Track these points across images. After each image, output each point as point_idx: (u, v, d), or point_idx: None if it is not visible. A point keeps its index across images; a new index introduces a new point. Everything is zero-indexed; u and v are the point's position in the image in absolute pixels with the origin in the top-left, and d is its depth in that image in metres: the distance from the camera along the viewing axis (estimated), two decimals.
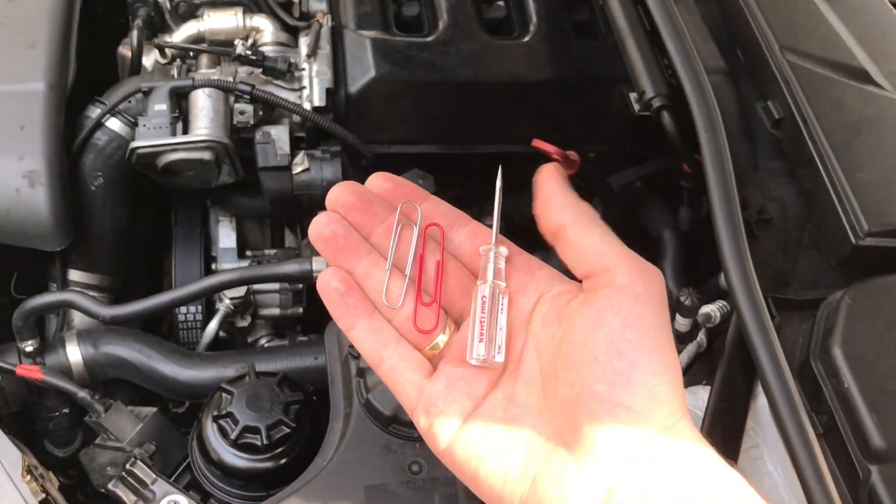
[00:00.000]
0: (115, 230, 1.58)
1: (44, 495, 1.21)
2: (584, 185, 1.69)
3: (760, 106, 1.47)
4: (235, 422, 1.26)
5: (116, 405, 1.38)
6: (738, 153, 1.44)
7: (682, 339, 1.44)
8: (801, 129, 1.38)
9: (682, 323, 1.43)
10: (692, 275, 1.85)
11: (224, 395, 1.29)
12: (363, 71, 1.60)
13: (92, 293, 1.56)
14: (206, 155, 1.49)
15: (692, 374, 1.48)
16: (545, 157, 1.62)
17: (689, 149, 1.48)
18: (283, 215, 1.72)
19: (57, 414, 1.48)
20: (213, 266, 1.66)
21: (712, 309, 1.44)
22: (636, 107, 1.61)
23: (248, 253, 1.71)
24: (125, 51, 1.70)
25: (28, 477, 1.20)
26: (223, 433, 1.26)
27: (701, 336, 1.46)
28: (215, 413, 1.28)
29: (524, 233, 1.99)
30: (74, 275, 1.56)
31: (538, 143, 1.52)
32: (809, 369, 1.18)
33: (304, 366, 1.48)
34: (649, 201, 1.87)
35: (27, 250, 1.48)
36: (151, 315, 1.51)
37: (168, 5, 1.79)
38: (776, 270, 1.36)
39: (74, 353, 1.44)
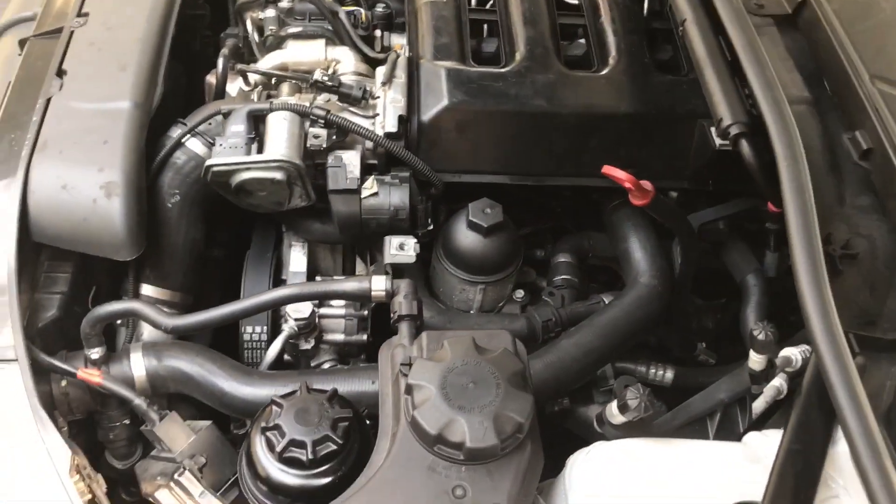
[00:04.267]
0: (189, 248, 1.62)
1: (90, 496, 1.21)
2: (661, 218, 1.63)
3: (847, 137, 1.40)
4: (282, 434, 1.24)
5: (171, 415, 1.38)
6: (823, 186, 1.36)
7: (755, 379, 1.35)
8: (891, 159, 1.30)
9: (756, 360, 1.34)
10: (783, 330, 1.75)
11: (274, 407, 1.28)
12: (436, 99, 1.61)
13: (162, 308, 1.59)
14: (279, 175, 1.51)
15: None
16: (620, 191, 1.58)
17: (771, 182, 1.41)
18: (352, 240, 1.72)
19: (118, 424, 1.50)
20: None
21: (793, 352, 1.35)
22: (716, 140, 1.55)
23: (318, 279, 1.71)
24: (212, 78, 1.77)
25: (76, 476, 1.21)
26: (270, 446, 1.24)
27: (780, 381, 1.36)
28: (264, 425, 1.26)
29: (598, 273, 1.94)
30: (146, 289, 1.60)
31: (609, 170, 1.48)
32: None
33: (360, 389, 1.45)
34: (732, 243, 1.79)
35: (105, 266, 1.53)
36: (213, 327, 1.52)
37: (256, 38, 1.86)
38: (861, 308, 1.27)
39: (138, 364, 1.46)
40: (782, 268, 1.78)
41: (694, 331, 1.94)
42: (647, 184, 1.49)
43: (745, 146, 1.39)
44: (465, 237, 1.62)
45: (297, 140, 1.55)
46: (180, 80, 1.86)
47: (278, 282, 1.69)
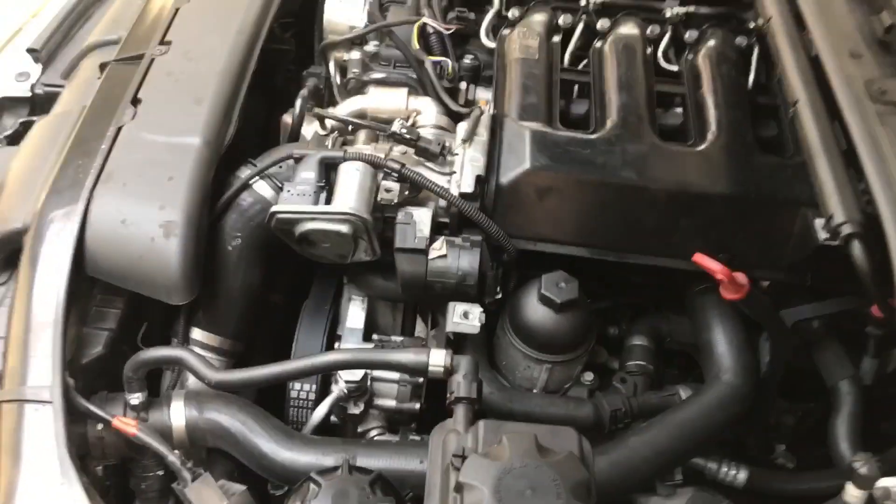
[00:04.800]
0: (245, 294, 1.54)
1: None
2: (752, 314, 1.49)
3: None
4: None
5: (205, 476, 1.29)
6: None
7: None
8: None
9: (855, 496, 1.18)
10: (871, 440, 1.59)
11: (312, 485, 1.18)
12: (517, 161, 1.51)
13: (210, 355, 1.51)
14: (345, 228, 1.43)
15: None
16: (707, 275, 1.45)
17: (883, 289, 1.27)
18: (415, 301, 1.63)
19: (151, 475, 1.42)
20: (336, 345, 1.58)
21: (895, 484, 1.19)
22: (822, 234, 1.41)
23: (375, 337, 1.62)
24: (288, 118, 1.70)
25: None
26: None
27: None
28: (299, 503, 1.16)
29: (676, 358, 1.80)
30: (197, 333, 1.53)
31: (700, 259, 1.35)
32: None
33: (407, 468, 1.35)
34: (827, 345, 1.63)
35: (158, 304, 1.46)
36: (259, 386, 1.44)
37: (338, 80, 1.79)
38: None
39: (178, 414, 1.38)
40: (881, 376, 1.62)
41: (772, 430, 1.78)
42: (741, 276, 1.36)
43: (856, 247, 1.25)
44: (535, 311, 1.51)
45: (368, 193, 1.47)
46: (258, 115, 1.81)
47: (333, 337, 1.60)
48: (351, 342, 1.58)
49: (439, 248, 1.48)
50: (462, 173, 1.51)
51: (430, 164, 1.54)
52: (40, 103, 1.95)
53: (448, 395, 1.25)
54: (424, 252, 1.47)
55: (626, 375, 1.61)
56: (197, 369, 1.33)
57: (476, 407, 1.24)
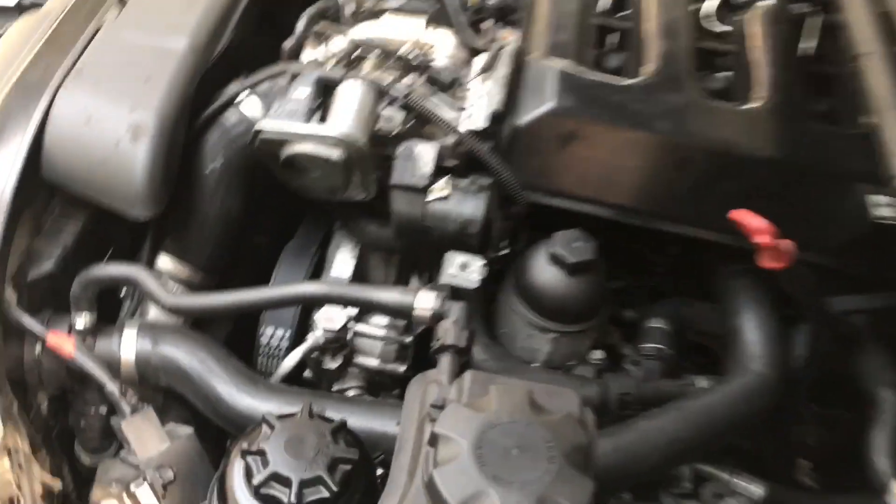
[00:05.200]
0: (222, 223, 1.38)
1: (15, 491, 0.96)
2: (793, 293, 1.30)
3: None
4: (265, 463, 0.96)
5: (145, 412, 1.13)
6: None
7: None
8: None
9: None
10: None
11: (264, 427, 1.00)
12: (540, 101, 1.33)
13: (177, 287, 1.35)
14: (336, 154, 1.26)
15: None
16: (740, 255, 1.27)
17: None
18: (409, 249, 1.45)
19: (92, 411, 1.25)
20: None
21: None
22: (883, 210, 1.22)
23: None
24: (289, 43, 1.54)
25: (4, 459, 0.96)
26: (248, 474, 0.97)
27: None
28: (246, 446, 0.99)
29: (696, 352, 1.61)
30: (165, 261, 1.36)
31: (740, 215, 1.17)
32: None
33: (382, 429, 1.17)
34: (870, 345, 1.44)
35: (125, 226, 1.30)
36: (222, 315, 1.28)
37: (349, 9, 1.63)
38: None
39: (129, 344, 1.22)
40: None
41: (796, 441, 1.58)
42: (787, 243, 1.18)
43: None
44: (544, 272, 1.33)
45: (367, 119, 1.30)
46: (263, 51, 1.65)
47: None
48: None
49: (441, 188, 1.31)
50: (475, 108, 1.34)
51: (440, 97, 1.37)
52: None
53: (433, 342, 1.08)
54: (423, 191, 1.30)
55: (641, 358, 1.42)
56: (152, 290, 1.16)
57: (464, 359, 1.06)
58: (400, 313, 1.14)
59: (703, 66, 1.51)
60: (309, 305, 1.35)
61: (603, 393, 1.34)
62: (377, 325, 1.40)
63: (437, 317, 1.09)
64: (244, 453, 0.98)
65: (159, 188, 1.23)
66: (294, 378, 1.36)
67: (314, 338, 1.32)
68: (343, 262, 1.45)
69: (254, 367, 1.39)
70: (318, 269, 1.45)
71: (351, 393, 1.39)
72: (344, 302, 1.20)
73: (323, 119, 1.30)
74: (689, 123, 1.33)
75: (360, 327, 1.39)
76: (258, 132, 1.27)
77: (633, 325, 1.57)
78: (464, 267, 1.29)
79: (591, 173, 1.36)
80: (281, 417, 1.02)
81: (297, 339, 1.37)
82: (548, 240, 1.34)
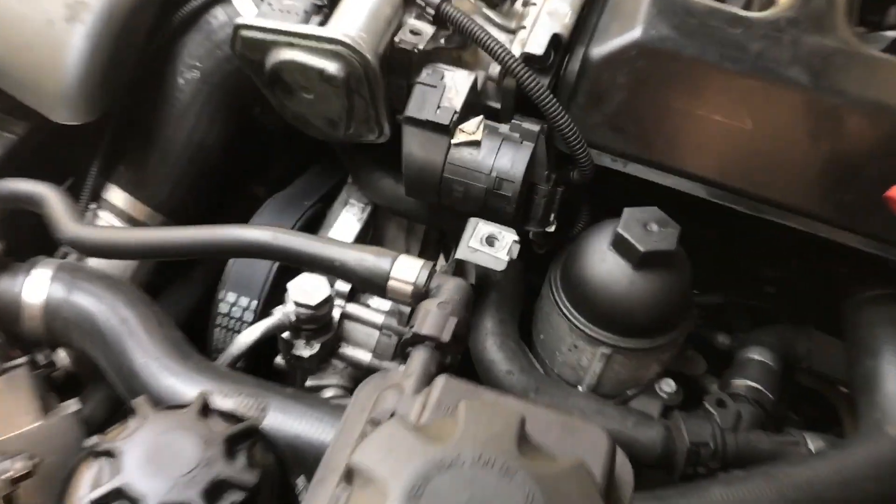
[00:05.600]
0: (190, 154, 1.07)
1: None
2: None
3: None
4: (116, 470, 0.64)
5: (14, 375, 0.82)
6: None
7: None
8: None
9: None
10: None
11: (129, 418, 0.68)
12: (624, 26, 0.97)
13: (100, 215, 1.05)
14: (333, 67, 0.93)
15: None
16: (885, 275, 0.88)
17: None
18: (425, 212, 1.10)
19: None
20: None
21: None
22: None
23: None
24: None
25: None
26: (95, 481, 0.65)
27: None
28: (98, 443, 0.66)
29: (806, 401, 1.18)
30: (115, 195, 1.07)
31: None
32: None
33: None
34: None
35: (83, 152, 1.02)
36: (135, 256, 0.97)
37: None
38: None
39: (38, 286, 0.92)
40: None
41: None
42: None
43: None
44: (602, 261, 0.96)
45: (383, 25, 0.96)
46: None
47: None
48: None
49: (472, 130, 0.96)
50: (534, 29, 0.99)
51: (490, 13, 1.02)
52: None
53: (407, 328, 0.73)
54: (447, 130, 0.95)
55: (728, 398, 1.03)
56: (54, 214, 0.86)
57: (447, 359, 0.71)
58: (369, 283, 0.80)
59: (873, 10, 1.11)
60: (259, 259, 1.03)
61: (667, 439, 0.96)
62: (376, 308, 1.06)
63: (419, 294, 0.74)
64: (95, 452, 0.66)
65: (96, 89, 0.93)
66: (256, 363, 1.03)
67: (282, 313, 0.98)
68: (346, 223, 1.12)
69: (208, 343, 1.07)
70: (310, 227, 1.12)
71: (329, 393, 1.05)
72: (289, 259, 0.86)
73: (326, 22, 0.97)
74: (835, 75, 0.94)
75: (352, 308, 1.05)
76: (238, 29, 0.95)
77: (724, 354, 1.18)
78: (490, 241, 0.93)
79: (687, 134, 0.98)
80: (168, 409, 0.70)
81: (265, 312, 1.04)
82: (611, 219, 0.97)
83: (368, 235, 1.16)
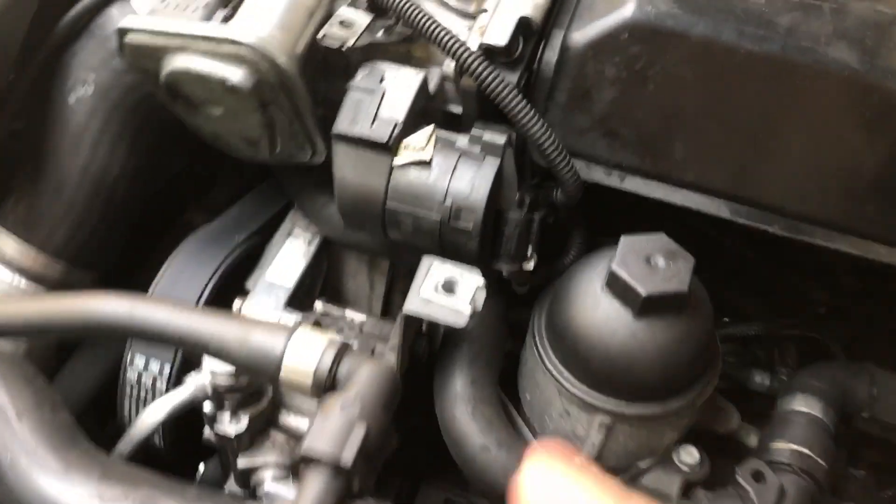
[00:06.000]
0: (92, 186, 0.88)
1: None
2: None
3: None
4: None
5: None
6: None
7: None
8: None
9: None
10: None
11: None
12: (614, 3, 0.75)
13: (14, 276, 0.87)
14: (238, 75, 0.73)
15: None
16: None
17: None
18: (373, 241, 0.90)
19: None
20: (237, 304, 0.88)
21: None
22: None
23: (318, 306, 0.91)
24: None
25: None
26: None
27: None
28: None
29: (865, 445, 0.89)
30: (2, 239, 0.88)
31: None
32: None
33: None
34: None
35: None
36: None
37: None
38: None
39: None
40: None
41: None
42: None
43: None
44: (595, 307, 0.74)
45: (303, 18, 0.76)
46: None
47: (231, 290, 0.90)
48: (259, 303, 0.88)
49: (421, 145, 0.75)
50: (495, 12, 0.77)
51: None
52: None
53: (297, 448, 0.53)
54: (388, 148, 0.74)
55: (768, 469, 0.81)
56: None
57: (356, 486, 0.51)
58: (256, 370, 0.60)
59: None
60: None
61: None
62: None
63: (321, 385, 0.54)
64: None
65: None
66: (176, 441, 0.84)
67: (195, 383, 0.79)
68: (288, 260, 0.92)
69: (118, 417, 0.88)
70: (243, 265, 0.92)
71: (268, 474, 0.85)
72: (154, 338, 0.66)
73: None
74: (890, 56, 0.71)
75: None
76: (123, 34, 0.76)
77: (764, 399, 0.96)
78: (448, 287, 0.72)
79: (700, 137, 0.76)
80: None
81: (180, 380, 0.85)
82: (604, 250, 0.76)
83: (320, 273, 0.96)
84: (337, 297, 0.99)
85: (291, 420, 0.86)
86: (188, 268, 0.87)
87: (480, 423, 0.79)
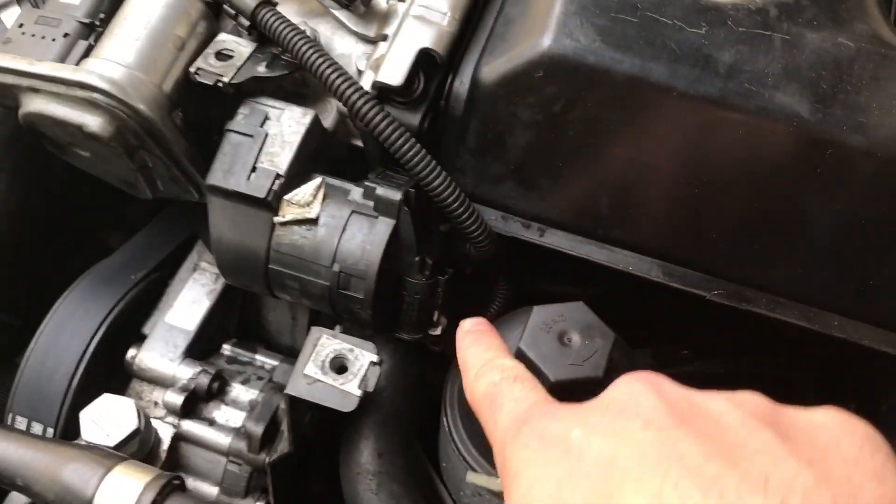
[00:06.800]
0: None
1: None
2: None
3: None
4: None
5: None
6: None
7: None
8: None
9: None
10: None
11: None
12: (528, 30, 0.64)
13: None
14: (94, 122, 0.64)
15: None
16: None
17: None
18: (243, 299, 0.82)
19: None
20: (132, 353, 0.80)
21: None
22: None
23: (226, 349, 0.83)
24: None
25: None
26: None
27: None
28: None
29: None
30: None
31: None
32: None
33: None
34: None
35: None
36: None
37: None
38: None
39: None
40: None
41: None
42: None
43: None
44: None
45: (170, 51, 0.66)
46: None
47: (127, 336, 0.82)
48: (157, 349, 0.80)
49: (306, 200, 0.65)
50: (394, 42, 0.66)
51: (341, 16, 0.70)
52: None
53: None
54: (269, 206, 0.65)
55: None
56: None
57: None
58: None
59: None
60: None
61: None
62: (222, 424, 0.79)
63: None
64: None
65: None
66: None
67: (84, 440, 0.71)
68: (191, 299, 0.84)
69: None
70: (141, 307, 0.83)
71: None
72: None
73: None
74: (860, 98, 0.60)
75: (189, 427, 0.78)
76: None
77: None
78: (333, 365, 0.64)
79: (627, 190, 0.66)
80: None
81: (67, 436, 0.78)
82: (521, 314, 0.66)
83: (233, 309, 0.88)
84: (258, 331, 0.91)
85: (190, 484, 0.79)
86: (76, 313, 0.79)
87: (387, 499, 0.71)
